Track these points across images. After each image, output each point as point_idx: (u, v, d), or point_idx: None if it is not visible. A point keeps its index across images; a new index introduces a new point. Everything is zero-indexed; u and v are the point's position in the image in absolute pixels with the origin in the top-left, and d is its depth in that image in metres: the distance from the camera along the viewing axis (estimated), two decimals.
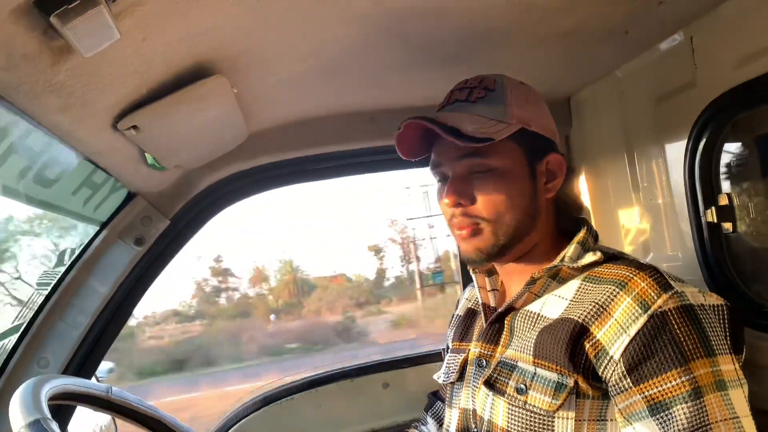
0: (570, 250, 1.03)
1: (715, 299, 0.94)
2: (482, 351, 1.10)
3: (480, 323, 1.18)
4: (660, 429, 0.86)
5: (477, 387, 1.08)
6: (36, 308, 1.48)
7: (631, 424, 0.89)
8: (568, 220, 1.12)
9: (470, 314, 1.26)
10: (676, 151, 1.39)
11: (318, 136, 1.71)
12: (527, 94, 1.09)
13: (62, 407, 1.46)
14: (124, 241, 1.54)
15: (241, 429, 1.82)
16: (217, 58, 1.11)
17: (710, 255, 1.28)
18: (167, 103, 1.11)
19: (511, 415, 0.99)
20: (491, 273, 1.21)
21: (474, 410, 1.09)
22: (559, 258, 1.04)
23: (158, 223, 1.57)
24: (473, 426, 1.09)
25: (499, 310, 1.10)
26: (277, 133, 1.66)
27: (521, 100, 1.07)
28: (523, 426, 0.97)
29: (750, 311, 1.18)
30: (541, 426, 0.95)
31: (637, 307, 0.90)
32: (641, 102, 1.50)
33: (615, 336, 0.91)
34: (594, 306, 0.94)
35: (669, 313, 0.88)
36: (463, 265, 1.96)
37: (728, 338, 0.91)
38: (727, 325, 0.92)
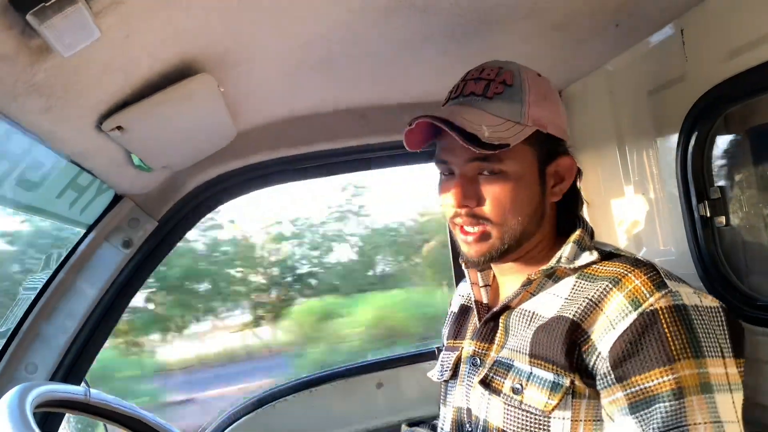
0: (566, 250, 1.02)
1: (710, 301, 0.92)
2: (476, 349, 1.09)
3: (473, 321, 1.17)
4: (639, 428, 0.84)
5: (472, 386, 1.07)
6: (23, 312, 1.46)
7: (613, 420, 0.89)
8: (569, 220, 1.10)
9: (463, 311, 1.25)
10: (668, 144, 1.38)
11: (308, 134, 1.69)
12: (546, 90, 1.05)
13: (50, 415, 1.44)
14: (111, 243, 1.52)
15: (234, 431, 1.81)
16: (203, 56, 1.09)
17: (703, 249, 1.28)
18: (152, 103, 1.09)
19: (507, 415, 0.98)
20: (484, 268, 1.20)
21: (469, 409, 1.08)
22: (555, 259, 1.02)
23: (146, 225, 1.55)
24: (467, 424, 1.08)
25: (494, 309, 1.08)
26: (266, 131, 1.64)
27: (539, 97, 1.02)
28: (519, 426, 0.96)
29: (743, 305, 1.18)
30: (537, 426, 0.94)
31: (628, 305, 0.89)
32: (632, 95, 1.49)
33: (604, 332, 0.90)
34: (587, 303, 0.93)
35: (659, 312, 0.87)
36: (455, 260, 1.95)
37: (726, 341, 0.89)
38: (725, 328, 0.90)
